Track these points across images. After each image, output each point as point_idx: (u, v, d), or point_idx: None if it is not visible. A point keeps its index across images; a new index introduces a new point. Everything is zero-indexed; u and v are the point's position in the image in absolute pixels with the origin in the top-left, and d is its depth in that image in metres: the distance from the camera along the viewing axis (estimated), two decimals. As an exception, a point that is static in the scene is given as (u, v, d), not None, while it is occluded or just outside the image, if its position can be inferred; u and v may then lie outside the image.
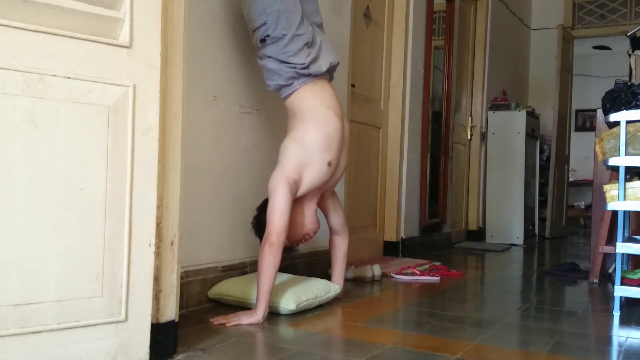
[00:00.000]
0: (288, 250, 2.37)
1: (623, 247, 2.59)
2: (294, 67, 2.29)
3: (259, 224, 2.36)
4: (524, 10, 7.18)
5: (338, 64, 2.49)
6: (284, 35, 2.28)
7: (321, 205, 2.54)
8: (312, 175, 2.31)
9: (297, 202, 2.30)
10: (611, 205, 2.70)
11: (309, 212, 2.41)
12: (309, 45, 2.33)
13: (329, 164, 2.33)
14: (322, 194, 2.47)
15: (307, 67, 2.31)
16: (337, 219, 2.62)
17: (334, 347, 1.94)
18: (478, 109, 5.85)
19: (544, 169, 6.61)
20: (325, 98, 2.36)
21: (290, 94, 2.34)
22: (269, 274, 2.13)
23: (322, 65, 2.36)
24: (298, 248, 2.51)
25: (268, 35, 2.30)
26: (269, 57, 2.33)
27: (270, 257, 2.14)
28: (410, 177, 4.37)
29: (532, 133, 6.17)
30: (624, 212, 2.67)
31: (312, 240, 2.86)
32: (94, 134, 1.46)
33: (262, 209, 2.34)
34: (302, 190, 2.31)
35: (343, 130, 2.39)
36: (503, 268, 4.10)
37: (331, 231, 2.65)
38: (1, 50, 1.33)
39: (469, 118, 5.78)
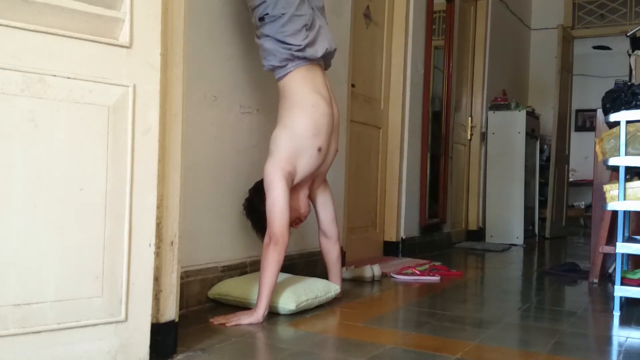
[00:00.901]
0: None
1: (623, 247, 2.59)
2: (290, 49, 2.28)
3: (251, 206, 2.41)
4: (524, 10, 7.18)
5: (335, 50, 2.48)
6: (283, 14, 2.27)
7: (311, 194, 2.53)
8: (304, 163, 2.32)
9: (291, 188, 2.31)
10: (611, 205, 2.70)
11: (302, 197, 2.44)
12: (308, 27, 2.32)
13: (319, 149, 2.34)
14: (314, 179, 2.48)
15: (302, 50, 2.30)
16: (327, 213, 2.59)
17: (334, 347, 1.94)
18: (478, 109, 5.85)
19: (544, 169, 6.60)
20: (315, 83, 2.35)
21: (283, 76, 2.34)
22: (272, 273, 2.13)
23: (318, 50, 2.36)
24: (290, 232, 2.48)
25: (267, 14, 2.29)
26: (267, 36, 2.32)
27: (275, 255, 2.15)
28: (410, 177, 4.37)
29: (532, 133, 6.17)
30: (624, 212, 2.67)
31: (312, 240, 2.85)
32: (94, 134, 1.46)
33: (254, 190, 2.39)
34: (297, 179, 2.33)
35: (332, 115, 2.40)
36: (503, 268, 4.10)
37: (320, 231, 2.61)
38: (1, 50, 1.33)
39: (469, 118, 5.78)
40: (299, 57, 2.31)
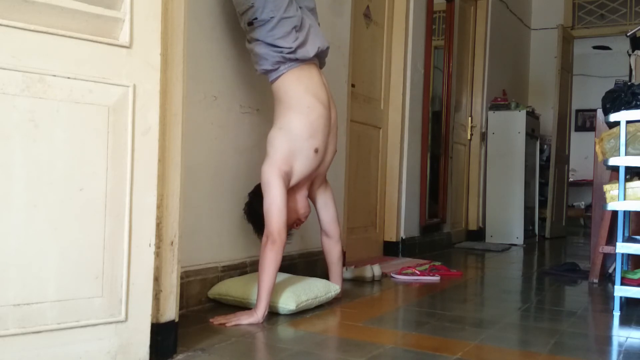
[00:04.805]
0: None
1: (623, 247, 2.59)
2: (281, 51, 2.28)
3: (251, 211, 2.41)
4: (524, 10, 7.18)
5: (327, 48, 2.47)
6: (272, 17, 2.27)
7: (311, 195, 2.54)
8: (301, 164, 2.32)
9: (289, 189, 2.31)
10: (611, 205, 2.70)
11: (301, 198, 2.43)
12: (297, 29, 2.31)
13: (316, 150, 2.34)
14: (313, 180, 2.48)
15: (294, 52, 2.29)
16: (328, 213, 2.59)
17: (334, 347, 1.94)
18: (478, 109, 5.85)
19: (544, 169, 6.60)
20: (310, 84, 2.35)
21: (276, 79, 2.34)
22: (270, 273, 2.13)
23: (310, 51, 2.35)
24: (291, 233, 2.48)
25: (256, 18, 2.28)
26: (257, 40, 2.32)
27: (273, 255, 2.15)
28: (410, 177, 4.37)
29: (532, 133, 6.17)
30: (624, 212, 2.67)
31: (312, 240, 2.85)
32: (94, 134, 1.46)
33: (254, 195, 2.39)
34: (294, 180, 2.33)
35: (329, 117, 2.39)
36: (503, 268, 4.10)
37: (322, 231, 2.61)
38: (1, 50, 1.33)
39: (469, 118, 5.78)
40: (290, 59, 2.31)
